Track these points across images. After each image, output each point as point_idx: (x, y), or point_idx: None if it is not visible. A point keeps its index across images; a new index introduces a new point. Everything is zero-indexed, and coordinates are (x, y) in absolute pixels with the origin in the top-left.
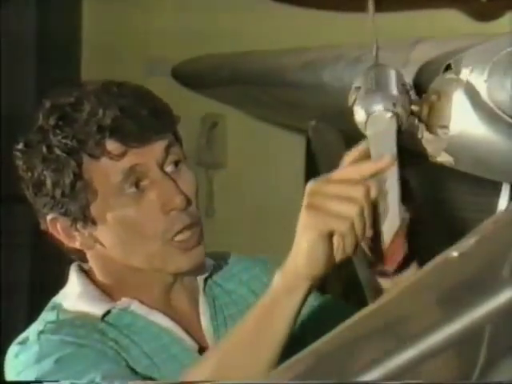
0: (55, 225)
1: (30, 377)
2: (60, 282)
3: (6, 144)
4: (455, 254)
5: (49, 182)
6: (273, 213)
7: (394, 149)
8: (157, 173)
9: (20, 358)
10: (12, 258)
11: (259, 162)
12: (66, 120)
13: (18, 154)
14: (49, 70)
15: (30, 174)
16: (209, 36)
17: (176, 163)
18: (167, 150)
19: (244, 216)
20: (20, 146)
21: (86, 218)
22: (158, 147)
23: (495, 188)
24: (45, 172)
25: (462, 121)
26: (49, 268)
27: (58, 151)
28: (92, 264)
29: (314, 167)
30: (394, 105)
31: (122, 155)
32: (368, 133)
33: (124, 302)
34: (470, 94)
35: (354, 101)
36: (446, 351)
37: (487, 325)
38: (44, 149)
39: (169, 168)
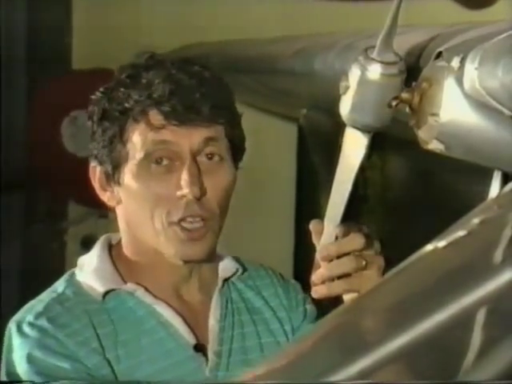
0: (94, 172)
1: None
2: (51, 270)
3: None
4: (442, 244)
5: (98, 132)
6: (264, 201)
7: (352, 175)
8: (186, 157)
9: (15, 342)
10: (3, 246)
11: (250, 150)
12: (131, 80)
13: (95, 95)
14: (40, 57)
15: (91, 120)
16: (199, 24)
17: (213, 157)
18: (207, 140)
19: (234, 204)
20: (100, 89)
21: (114, 176)
22: (198, 134)
23: (486, 175)
24: (99, 121)
25: (453, 108)
26: (40, 256)
27: (114, 106)
28: (119, 225)
29: (306, 155)
30: (370, 132)
31: (160, 128)
32: (343, 142)
33: (130, 286)
34: (460, 81)
35: (345, 90)
36: (436, 340)
37: (478, 312)
38: (107, 100)
39: (203, 159)
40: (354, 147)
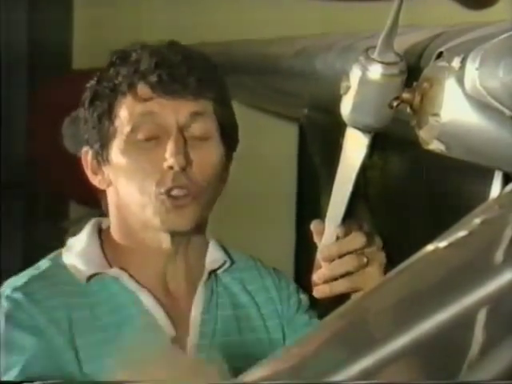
0: (86, 156)
1: None
2: None
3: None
4: (443, 244)
5: (89, 114)
6: (265, 201)
7: (353, 175)
8: (172, 130)
9: None
10: (4, 245)
11: (252, 151)
12: (120, 60)
13: (88, 84)
14: (40, 57)
15: (83, 107)
16: (200, 25)
17: (200, 134)
18: (194, 115)
19: (236, 204)
20: (94, 78)
21: (103, 155)
22: (185, 107)
23: (487, 176)
24: (90, 103)
25: (454, 108)
26: (41, 256)
27: (105, 84)
28: (109, 209)
29: (307, 155)
30: (370, 132)
31: (147, 100)
32: (343, 142)
33: (115, 271)
34: (461, 81)
35: (346, 90)
36: (437, 340)
37: (479, 312)
38: (97, 83)
39: (193, 134)
40: (354, 147)
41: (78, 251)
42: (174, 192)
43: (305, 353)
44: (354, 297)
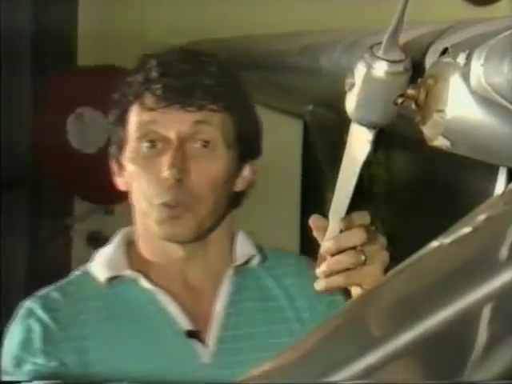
0: (112, 159)
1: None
2: (58, 268)
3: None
4: (448, 240)
5: (111, 115)
6: (269, 197)
7: (357, 171)
8: (172, 140)
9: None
10: (9, 244)
11: None
12: (139, 66)
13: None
14: (45, 54)
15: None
16: (205, 21)
17: (207, 144)
18: (197, 123)
19: None
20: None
21: (120, 158)
22: (187, 118)
23: (492, 172)
24: (113, 105)
25: (459, 105)
26: (46, 252)
27: (123, 89)
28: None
29: (311, 152)
30: (375, 128)
31: (152, 110)
32: (348, 137)
33: (131, 273)
34: (467, 77)
35: (351, 87)
36: (441, 336)
37: (483, 309)
38: (122, 86)
39: (196, 145)
40: (359, 143)
41: (103, 258)
42: (171, 203)
43: (307, 347)
44: (353, 292)
